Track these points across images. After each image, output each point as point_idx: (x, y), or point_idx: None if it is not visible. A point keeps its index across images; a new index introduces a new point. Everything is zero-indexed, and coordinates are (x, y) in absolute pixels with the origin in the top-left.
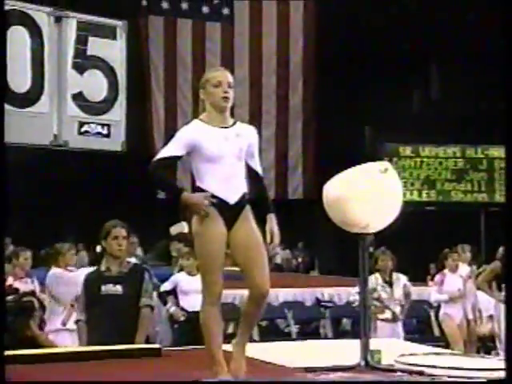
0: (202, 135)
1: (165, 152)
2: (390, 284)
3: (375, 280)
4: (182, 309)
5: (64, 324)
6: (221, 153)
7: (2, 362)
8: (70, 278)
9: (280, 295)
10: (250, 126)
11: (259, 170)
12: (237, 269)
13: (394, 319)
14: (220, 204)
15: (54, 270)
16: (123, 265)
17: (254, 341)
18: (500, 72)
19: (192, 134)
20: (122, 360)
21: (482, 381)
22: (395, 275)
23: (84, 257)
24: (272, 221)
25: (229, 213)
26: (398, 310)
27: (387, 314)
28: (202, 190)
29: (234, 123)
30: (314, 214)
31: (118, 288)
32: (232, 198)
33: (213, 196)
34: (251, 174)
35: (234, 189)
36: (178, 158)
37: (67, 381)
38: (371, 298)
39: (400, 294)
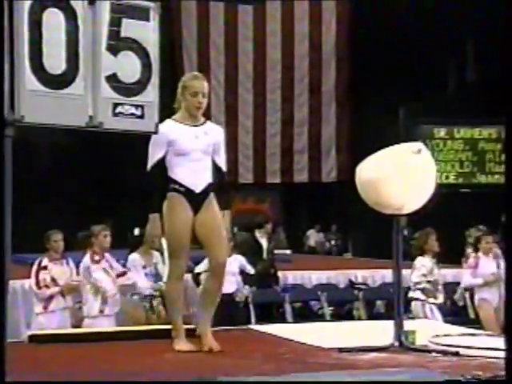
0: (175, 133)
1: (152, 157)
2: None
3: (430, 262)
4: None
5: (102, 311)
6: (191, 148)
7: (2, 363)
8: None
9: (313, 277)
10: (218, 126)
11: (223, 166)
12: None
13: (444, 303)
14: (187, 192)
15: (87, 258)
16: None
17: (288, 322)
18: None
19: (167, 133)
20: (155, 340)
21: (481, 380)
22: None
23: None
24: (225, 219)
25: (195, 200)
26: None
27: (440, 299)
28: (173, 180)
29: (205, 122)
30: (348, 196)
31: None
32: (198, 187)
33: (181, 185)
34: (216, 169)
35: (200, 179)
36: (164, 157)
37: (68, 381)
38: (425, 280)
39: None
